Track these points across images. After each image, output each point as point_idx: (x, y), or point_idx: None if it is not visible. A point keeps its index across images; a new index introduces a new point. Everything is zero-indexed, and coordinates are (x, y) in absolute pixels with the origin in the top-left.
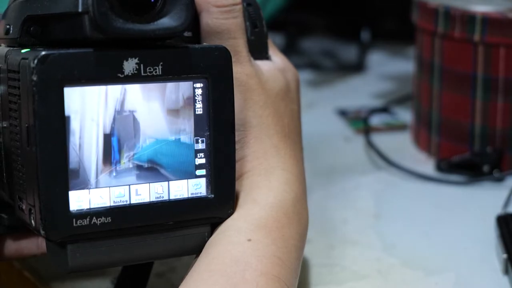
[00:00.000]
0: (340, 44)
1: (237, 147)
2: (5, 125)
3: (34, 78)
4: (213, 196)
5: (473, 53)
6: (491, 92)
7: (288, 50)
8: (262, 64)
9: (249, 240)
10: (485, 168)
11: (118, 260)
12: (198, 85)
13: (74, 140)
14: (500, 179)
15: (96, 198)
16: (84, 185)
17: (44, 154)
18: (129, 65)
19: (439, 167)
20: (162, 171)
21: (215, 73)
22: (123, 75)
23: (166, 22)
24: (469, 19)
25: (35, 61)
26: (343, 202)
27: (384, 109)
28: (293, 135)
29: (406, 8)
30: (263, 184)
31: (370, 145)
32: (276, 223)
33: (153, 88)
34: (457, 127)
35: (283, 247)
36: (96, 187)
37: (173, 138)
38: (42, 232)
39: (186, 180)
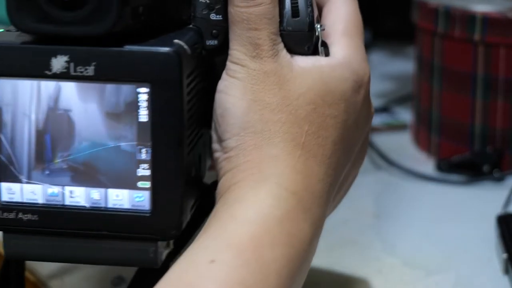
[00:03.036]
0: None
1: (232, 154)
2: None
3: None
4: (154, 212)
5: (473, 53)
6: (491, 92)
7: None
8: (301, 60)
9: (212, 261)
10: (485, 168)
11: (54, 257)
12: (142, 90)
13: (6, 132)
14: (500, 179)
15: (28, 193)
16: (15, 178)
17: None
18: (58, 62)
19: (439, 167)
20: (100, 176)
21: (159, 79)
22: (50, 72)
23: (84, 22)
24: (469, 19)
25: None
26: (343, 202)
27: (384, 109)
28: (315, 147)
29: (406, 8)
30: (248, 197)
31: (370, 145)
32: (252, 242)
33: (90, 88)
34: (457, 127)
35: (257, 272)
36: (29, 182)
37: (112, 143)
38: None
39: (127, 190)
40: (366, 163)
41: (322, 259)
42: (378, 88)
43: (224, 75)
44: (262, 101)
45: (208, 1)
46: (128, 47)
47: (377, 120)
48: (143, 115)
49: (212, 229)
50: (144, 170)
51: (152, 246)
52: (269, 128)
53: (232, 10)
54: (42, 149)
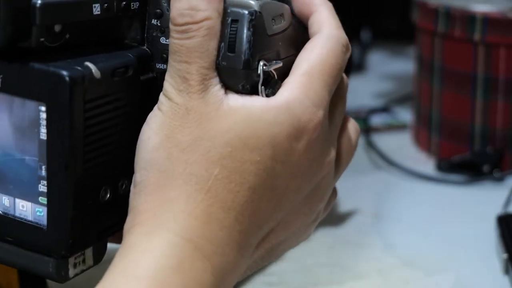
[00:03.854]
0: None
1: (136, 190)
2: None
3: None
4: (48, 229)
5: (473, 53)
6: (491, 92)
7: None
8: (233, 98)
9: None
10: (485, 168)
11: None
12: (43, 108)
13: None
14: (500, 179)
15: None
16: None
17: None
18: None
19: (439, 167)
20: (9, 185)
21: (52, 100)
22: None
23: None
24: (469, 19)
25: None
26: (343, 202)
27: (384, 109)
28: (224, 192)
29: (406, 8)
30: (142, 245)
31: (370, 145)
32: None
33: (2, 99)
34: (457, 127)
35: None
36: None
37: (19, 156)
38: None
39: (30, 203)
40: (366, 163)
41: (322, 259)
42: (378, 88)
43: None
44: (174, 138)
45: (159, 24)
46: (31, 64)
47: (377, 120)
48: (43, 133)
49: (106, 283)
50: (43, 187)
51: (51, 261)
52: (173, 168)
53: (170, 41)
54: None
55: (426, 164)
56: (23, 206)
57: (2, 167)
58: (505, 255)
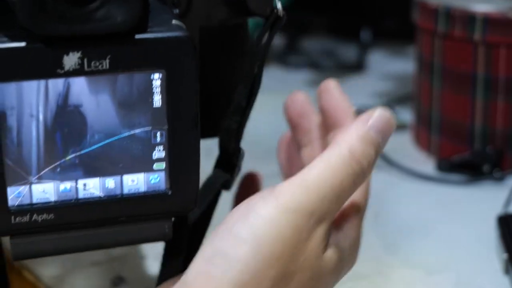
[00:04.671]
0: (340, 44)
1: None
2: None
3: None
4: (172, 191)
5: (473, 53)
6: (492, 92)
7: (288, 50)
8: None
9: None
10: (485, 168)
11: (64, 250)
12: (156, 76)
13: (12, 136)
14: (500, 179)
15: (39, 193)
16: (24, 180)
17: None
18: (70, 60)
19: (439, 167)
20: (114, 165)
21: (174, 64)
22: (63, 71)
23: (105, 18)
24: (469, 18)
25: None
26: None
27: None
28: None
29: (406, 8)
30: None
31: None
32: None
33: (101, 80)
34: (457, 127)
35: None
36: (39, 183)
37: (126, 132)
38: None
39: (143, 174)
40: None
41: None
42: (378, 88)
43: None
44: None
45: None
46: (139, 36)
47: None
48: (157, 100)
49: None
50: (159, 152)
51: (168, 222)
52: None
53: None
54: (52, 148)
55: (426, 164)
56: (133, 181)
57: (103, 151)
58: (505, 255)
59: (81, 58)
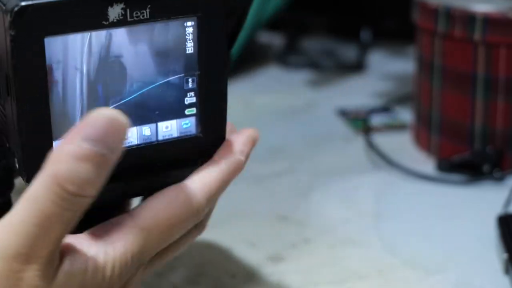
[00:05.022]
0: (340, 44)
1: None
2: None
3: (12, 32)
4: (202, 134)
5: (473, 53)
6: (492, 92)
7: (288, 50)
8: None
9: None
10: (485, 168)
11: (103, 200)
12: (189, 23)
13: (57, 90)
14: (500, 179)
15: None
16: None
17: (23, 108)
18: (114, 11)
19: (439, 167)
20: (150, 113)
21: (206, 11)
22: (107, 22)
23: None
24: (469, 18)
25: (12, 14)
26: (343, 202)
27: (384, 109)
28: None
29: (406, 8)
30: None
31: (370, 145)
32: None
33: (140, 31)
34: (457, 127)
35: None
36: None
37: (162, 79)
38: (25, 182)
39: (175, 120)
40: (366, 163)
41: (322, 259)
42: (378, 88)
43: None
44: None
45: None
46: None
47: (377, 120)
48: (190, 47)
49: None
50: (191, 98)
51: (199, 163)
52: None
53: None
54: (94, 99)
55: (426, 164)
56: (167, 127)
57: (140, 99)
58: (505, 255)
59: (124, 9)
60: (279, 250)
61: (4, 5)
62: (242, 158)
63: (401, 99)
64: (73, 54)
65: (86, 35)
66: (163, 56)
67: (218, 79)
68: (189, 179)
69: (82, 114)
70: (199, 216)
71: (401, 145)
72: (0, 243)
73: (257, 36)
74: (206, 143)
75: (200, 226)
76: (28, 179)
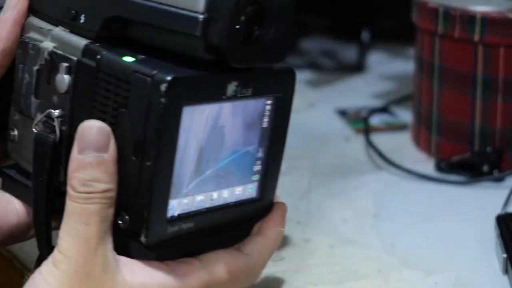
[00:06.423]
0: (340, 44)
1: None
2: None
3: (163, 100)
4: (260, 197)
5: (473, 53)
6: (491, 92)
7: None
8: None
9: None
10: (485, 168)
11: (190, 252)
12: (269, 101)
13: (179, 154)
14: (500, 179)
15: (183, 206)
16: (179, 194)
17: (157, 170)
18: (231, 88)
19: (439, 167)
20: (230, 178)
21: (283, 91)
22: (225, 96)
23: (272, 53)
24: (469, 19)
25: (165, 85)
26: (343, 202)
27: (384, 109)
28: None
29: (406, 8)
30: None
31: (370, 145)
32: None
33: (239, 105)
34: (457, 127)
35: None
36: (186, 196)
37: (244, 149)
38: (142, 238)
39: (245, 185)
40: (366, 163)
41: (322, 259)
42: (378, 88)
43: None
44: None
45: None
46: (268, 67)
47: (377, 120)
48: (266, 122)
49: None
50: (257, 166)
51: (251, 225)
52: None
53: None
54: (200, 164)
55: (426, 164)
56: (239, 191)
57: (229, 165)
58: (504, 255)
59: (237, 86)
60: (279, 250)
61: (150, 76)
62: (283, 229)
63: (401, 99)
64: (196, 123)
65: (209, 106)
66: (248, 129)
67: (279, 150)
68: (249, 249)
69: (190, 177)
70: (253, 281)
71: (401, 145)
72: None
73: None
74: (262, 205)
75: None
76: (147, 235)
